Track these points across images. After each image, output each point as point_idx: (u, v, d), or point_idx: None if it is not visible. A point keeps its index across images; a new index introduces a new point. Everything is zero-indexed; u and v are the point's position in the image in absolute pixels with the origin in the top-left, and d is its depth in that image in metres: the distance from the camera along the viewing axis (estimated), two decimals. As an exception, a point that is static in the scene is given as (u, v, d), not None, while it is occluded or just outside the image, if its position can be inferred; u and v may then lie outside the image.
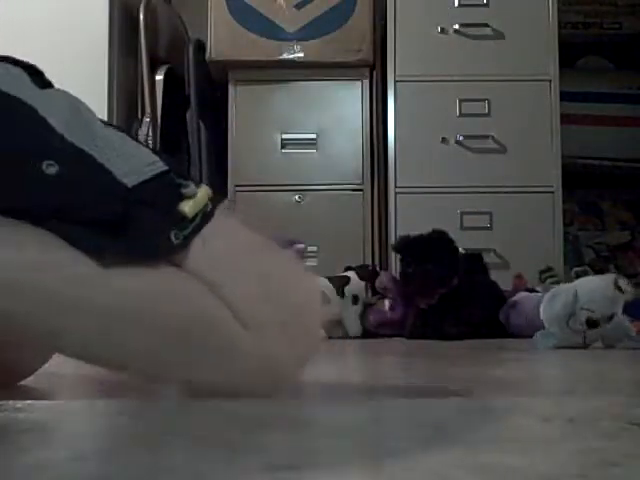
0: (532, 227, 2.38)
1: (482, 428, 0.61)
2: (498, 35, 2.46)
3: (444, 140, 2.42)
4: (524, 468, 0.47)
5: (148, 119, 2.47)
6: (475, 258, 1.94)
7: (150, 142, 2.41)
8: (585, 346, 1.46)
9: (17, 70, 0.74)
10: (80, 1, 2.43)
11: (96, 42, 2.41)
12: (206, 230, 0.72)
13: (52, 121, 0.71)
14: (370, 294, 1.97)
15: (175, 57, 2.62)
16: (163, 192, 0.72)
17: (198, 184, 0.75)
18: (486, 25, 2.46)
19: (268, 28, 2.50)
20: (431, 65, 2.47)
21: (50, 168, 0.68)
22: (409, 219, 2.37)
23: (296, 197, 2.48)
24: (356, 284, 1.90)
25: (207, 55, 2.51)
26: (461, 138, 2.42)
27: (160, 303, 0.70)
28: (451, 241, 1.81)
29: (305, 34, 2.49)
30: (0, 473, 0.48)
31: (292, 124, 2.51)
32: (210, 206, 0.74)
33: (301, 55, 2.49)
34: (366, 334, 1.91)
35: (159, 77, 2.53)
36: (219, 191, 0.95)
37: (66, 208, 0.69)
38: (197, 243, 0.72)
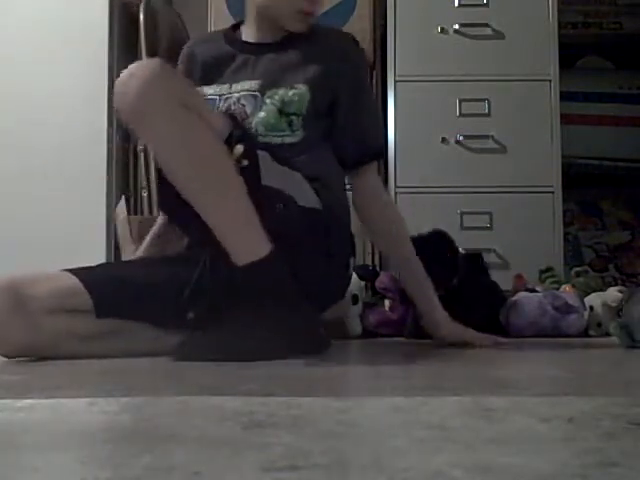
0: (532, 227, 2.38)
1: (482, 428, 0.61)
2: (498, 35, 2.46)
3: (444, 140, 2.42)
4: (524, 468, 0.47)
5: (148, 119, 2.46)
6: (475, 258, 1.94)
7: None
8: None
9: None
10: (80, 1, 2.42)
11: (96, 42, 2.41)
12: None
13: None
14: (370, 294, 1.97)
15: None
16: None
17: None
18: (486, 25, 2.46)
19: (268, 28, 2.49)
20: (431, 65, 2.47)
21: None
22: (409, 219, 2.35)
23: (296, 197, 2.47)
24: (356, 284, 1.89)
25: (207, 55, 2.51)
26: (461, 138, 2.42)
27: None
28: (451, 241, 1.81)
29: (305, 34, 2.48)
30: (0, 474, 0.48)
31: (292, 124, 2.50)
32: None
33: (301, 55, 2.48)
34: (366, 334, 1.90)
35: (159, 77, 2.52)
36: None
37: None
38: None
